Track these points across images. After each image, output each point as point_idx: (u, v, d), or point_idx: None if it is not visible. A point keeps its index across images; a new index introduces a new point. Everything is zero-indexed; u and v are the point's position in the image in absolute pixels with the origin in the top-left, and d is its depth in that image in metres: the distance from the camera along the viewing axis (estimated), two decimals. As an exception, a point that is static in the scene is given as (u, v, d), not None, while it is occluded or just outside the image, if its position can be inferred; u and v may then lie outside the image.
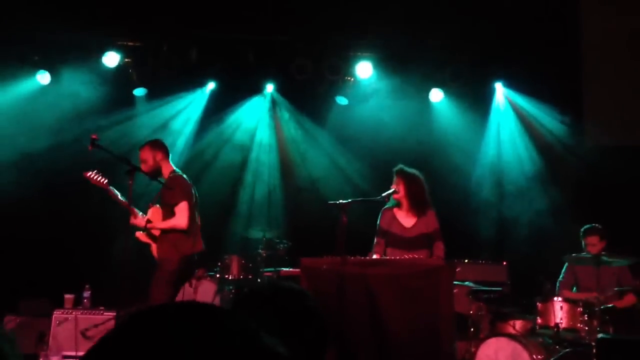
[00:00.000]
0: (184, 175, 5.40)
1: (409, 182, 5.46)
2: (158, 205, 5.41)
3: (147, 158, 5.33)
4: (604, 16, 7.28)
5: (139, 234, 5.40)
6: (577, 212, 7.01)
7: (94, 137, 5.29)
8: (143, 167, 5.36)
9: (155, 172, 5.39)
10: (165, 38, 7.73)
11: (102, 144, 5.36)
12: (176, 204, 5.19)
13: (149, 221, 5.35)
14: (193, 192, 5.39)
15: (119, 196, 5.27)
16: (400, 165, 5.53)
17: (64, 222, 7.35)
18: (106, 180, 5.29)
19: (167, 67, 7.86)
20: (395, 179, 5.47)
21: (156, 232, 5.36)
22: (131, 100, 8.14)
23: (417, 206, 5.48)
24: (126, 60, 7.86)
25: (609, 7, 7.30)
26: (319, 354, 1.52)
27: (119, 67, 7.83)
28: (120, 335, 0.78)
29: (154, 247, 5.37)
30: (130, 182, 5.23)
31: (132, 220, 5.33)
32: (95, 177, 5.27)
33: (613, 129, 7.36)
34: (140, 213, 5.43)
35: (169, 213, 5.26)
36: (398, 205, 5.53)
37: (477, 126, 7.99)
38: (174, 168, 5.42)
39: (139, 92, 8.18)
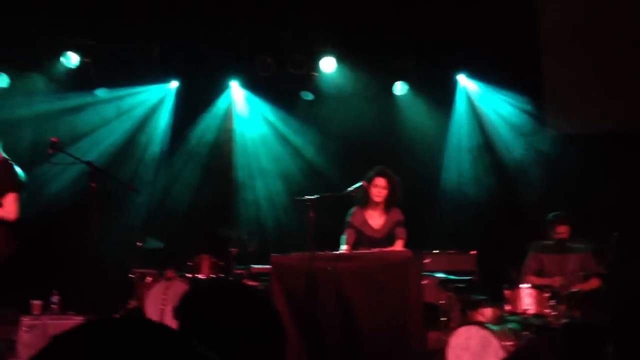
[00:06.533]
0: (15, 166, 5.08)
1: (393, 184, 5.49)
2: None
3: None
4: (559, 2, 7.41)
5: None
6: (542, 200, 7.12)
7: (54, 140, 5.16)
8: None
9: None
10: (126, 37, 7.63)
11: (63, 146, 5.24)
12: (3, 194, 4.88)
13: None
14: (24, 184, 5.07)
15: None
16: (380, 167, 5.55)
17: (25, 227, 7.19)
18: None
19: (129, 67, 7.76)
20: (377, 178, 5.48)
21: None
22: (92, 100, 8.02)
23: (387, 206, 5.53)
24: (85, 60, 7.73)
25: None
26: (273, 353, 1.51)
27: (79, 67, 7.71)
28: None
29: None
30: (93, 185, 5.12)
31: None
32: None
33: (574, 117, 7.47)
34: None
35: None
36: (367, 205, 5.56)
37: (442, 118, 8.05)
38: (4, 156, 5.12)
39: (101, 92, 8.06)
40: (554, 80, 7.46)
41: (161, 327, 0.83)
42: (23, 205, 4.98)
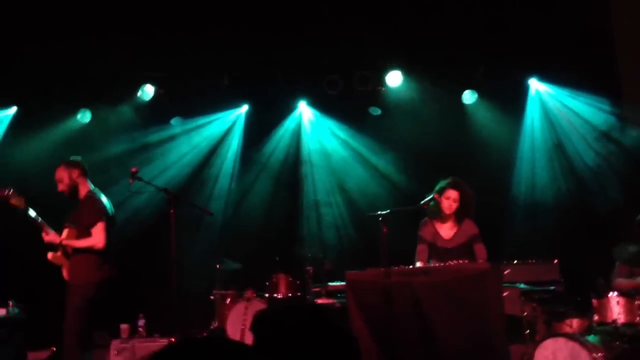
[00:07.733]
0: (103, 196, 5.27)
1: (465, 196, 5.40)
2: (73, 226, 5.20)
3: (63, 177, 5.23)
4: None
5: (52, 255, 5.22)
6: (626, 202, 6.78)
7: (134, 170, 5.40)
8: (59, 186, 5.24)
9: (73, 191, 5.26)
10: (196, 66, 7.91)
11: (142, 176, 5.47)
12: (92, 224, 5.06)
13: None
14: (111, 214, 5.26)
15: (34, 215, 5.13)
16: (452, 178, 5.46)
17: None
18: (23, 199, 5.13)
19: (201, 95, 8.04)
20: (449, 190, 5.39)
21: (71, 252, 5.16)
22: (169, 130, 8.35)
23: (459, 217, 5.43)
24: (160, 91, 8.06)
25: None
26: None
27: (154, 99, 8.05)
28: None
29: (66, 268, 5.21)
30: (172, 211, 5.31)
31: (46, 238, 5.15)
32: (12, 196, 5.09)
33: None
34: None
35: (84, 234, 5.10)
36: (438, 216, 5.46)
37: (513, 123, 7.86)
38: (92, 188, 5.30)
39: (176, 121, 8.39)
40: (631, 78, 7.12)
41: (241, 346, 0.86)
42: (111, 234, 5.19)
